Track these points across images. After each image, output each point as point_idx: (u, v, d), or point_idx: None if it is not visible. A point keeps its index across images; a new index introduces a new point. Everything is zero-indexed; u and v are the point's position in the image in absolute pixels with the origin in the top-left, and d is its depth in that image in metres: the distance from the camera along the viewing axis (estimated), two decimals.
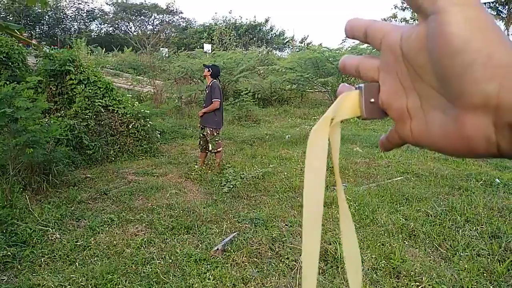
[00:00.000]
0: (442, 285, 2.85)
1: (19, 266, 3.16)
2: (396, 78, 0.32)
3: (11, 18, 27.13)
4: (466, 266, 3.13)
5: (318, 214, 0.35)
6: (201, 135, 5.90)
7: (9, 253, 3.27)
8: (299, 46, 33.38)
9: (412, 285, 2.85)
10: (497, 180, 5.24)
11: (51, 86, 6.53)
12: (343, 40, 13.88)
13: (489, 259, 3.24)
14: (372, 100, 0.34)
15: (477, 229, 3.79)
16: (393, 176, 5.59)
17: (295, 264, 3.14)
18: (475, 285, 2.88)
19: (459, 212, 4.15)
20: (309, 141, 0.35)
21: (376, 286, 2.89)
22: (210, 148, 5.82)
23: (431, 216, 4.12)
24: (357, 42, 13.23)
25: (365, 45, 13.07)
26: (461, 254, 3.34)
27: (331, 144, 0.36)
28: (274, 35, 38.88)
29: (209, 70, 5.84)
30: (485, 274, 3.04)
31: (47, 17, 33.81)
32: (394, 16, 22.63)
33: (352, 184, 5.22)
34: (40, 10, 30.41)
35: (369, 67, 0.35)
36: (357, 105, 0.35)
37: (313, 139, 0.35)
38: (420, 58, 0.29)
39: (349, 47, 13.45)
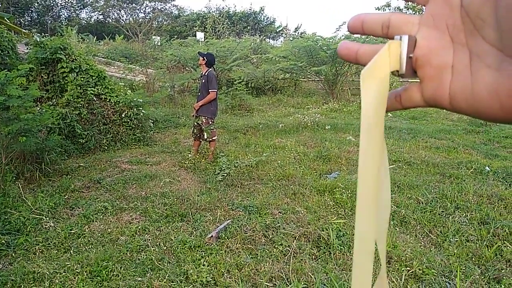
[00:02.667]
0: (432, 270, 2.92)
1: (13, 254, 3.17)
2: (444, 33, 0.31)
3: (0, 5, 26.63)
4: (455, 251, 3.20)
5: (373, 183, 0.32)
6: (196, 123, 5.89)
7: (3, 241, 3.28)
8: (292, 34, 33.22)
9: (403, 270, 2.91)
10: (487, 168, 5.32)
11: (42, 74, 6.45)
12: (337, 28, 13.82)
13: (477, 245, 3.31)
14: (411, 55, 0.32)
15: (467, 216, 3.86)
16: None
17: (288, 250, 3.19)
18: (464, 269, 2.95)
19: (449, 199, 4.22)
20: (361, 86, 0.32)
21: None
22: (205, 137, 5.82)
23: (422, 203, 4.18)
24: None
25: (358, 34, 13.10)
26: (451, 240, 3.41)
27: (377, 96, 0.32)
28: (268, 23, 38.63)
29: (204, 59, 5.78)
30: (473, 259, 3.12)
31: (36, 4, 33.22)
32: (388, 5, 22.57)
33: (345, 172, 5.27)
34: None
35: (405, 20, 0.33)
36: (397, 57, 0.32)
37: (364, 82, 0.32)
38: (484, 10, 0.27)
39: (343, 35, 13.43)
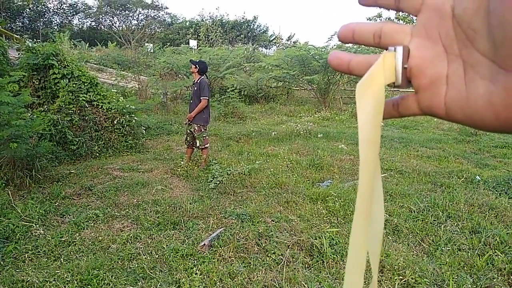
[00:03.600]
0: (424, 279, 2.92)
1: (1, 262, 3.11)
2: (437, 43, 0.30)
3: None
4: (447, 260, 3.22)
5: (370, 194, 0.32)
6: (188, 131, 5.88)
7: None
8: (285, 43, 33.44)
9: (396, 279, 2.91)
10: (477, 177, 5.37)
11: (34, 80, 6.40)
12: (329, 38, 13.96)
13: (469, 253, 3.33)
14: (406, 65, 0.31)
15: (458, 225, 3.88)
16: None
17: (281, 259, 3.18)
18: (456, 278, 2.96)
19: (441, 208, 4.25)
20: (357, 99, 0.31)
21: None
22: (197, 144, 5.81)
23: (414, 212, 4.20)
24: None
25: (350, 43, 13.24)
26: (443, 248, 3.43)
27: (372, 108, 0.31)
28: (261, 32, 38.85)
29: (196, 67, 5.79)
30: (465, 268, 3.13)
31: (28, 10, 33.03)
32: (379, 16, 22.87)
33: (337, 180, 5.28)
34: (21, 3, 29.71)
35: (397, 29, 0.33)
36: (393, 69, 0.32)
37: (360, 95, 0.31)
38: (476, 20, 0.27)
39: (335, 45, 13.57)
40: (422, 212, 4.17)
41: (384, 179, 5.33)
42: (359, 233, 0.33)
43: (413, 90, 0.33)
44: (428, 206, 4.33)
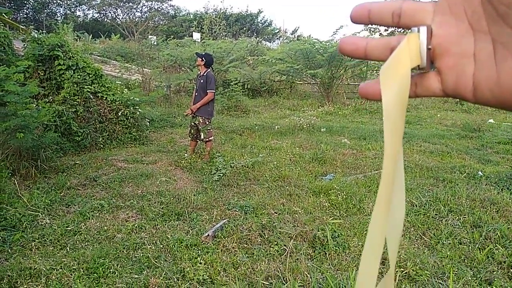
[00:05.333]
0: (425, 271, 2.96)
1: (9, 250, 3.17)
2: (462, 20, 0.29)
3: None
4: (448, 253, 3.25)
5: (392, 183, 0.31)
6: (192, 123, 5.91)
7: None
8: (289, 37, 33.34)
9: (397, 271, 2.95)
10: (480, 172, 5.39)
11: (39, 71, 6.43)
12: (334, 32, 13.92)
13: (470, 247, 3.36)
14: (430, 46, 0.30)
15: (460, 219, 3.91)
16: (380, 168, 5.66)
17: (284, 249, 3.22)
18: (456, 271, 3.00)
19: (443, 203, 4.27)
20: (381, 84, 0.30)
21: None
22: (202, 137, 5.84)
23: (416, 206, 4.23)
24: (348, 34, 13.30)
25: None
26: (444, 242, 3.46)
27: (397, 92, 0.30)
28: (265, 25, 38.70)
29: (202, 60, 5.78)
30: (466, 261, 3.17)
31: (32, 1, 33.00)
32: None
33: (340, 174, 5.31)
34: None
35: (418, 8, 0.31)
36: (417, 51, 0.30)
37: (384, 80, 0.30)
38: None
39: (339, 39, 13.48)
40: (424, 206, 4.20)
41: None
42: (379, 221, 0.31)
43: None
44: (430, 200, 4.35)
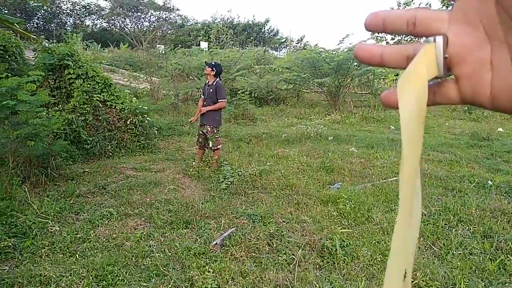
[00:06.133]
0: (435, 282, 2.93)
1: (20, 257, 3.19)
2: (478, 29, 0.29)
3: (6, 11, 26.90)
4: (458, 264, 3.22)
5: (412, 194, 0.30)
6: (200, 132, 5.94)
7: (9, 243, 3.30)
8: (295, 46, 33.50)
9: None
10: (489, 182, 5.34)
11: (49, 80, 6.52)
12: (340, 41, 13.97)
13: (481, 258, 3.33)
14: (446, 55, 0.30)
15: (470, 229, 3.88)
16: (388, 176, 5.67)
17: (292, 259, 3.21)
18: (467, 282, 2.97)
19: (452, 212, 4.24)
20: (398, 95, 0.30)
21: (372, 281, 2.96)
22: (210, 145, 5.86)
23: (425, 215, 4.20)
24: (354, 43, 13.36)
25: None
26: (454, 252, 3.43)
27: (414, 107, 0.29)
28: (271, 34, 38.95)
29: (212, 69, 5.81)
30: (477, 272, 3.13)
31: (42, 11, 33.55)
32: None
33: (348, 183, 5.30)
34: (35, 4, 30.19)
35: (434, 17, 0.31)
36: (434, 61, 0.30)
37: (402, 93, 0.30)
38: None
39: (345, 48, 13.55)
40: (433, 216, 4.17)
41: (395, 183, 5.33)
42: (402, 233, 0.31)
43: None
44: (439, 210, 4.32)
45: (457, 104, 0.33)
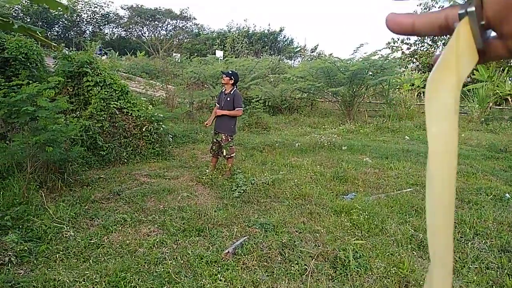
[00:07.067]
0: None
1: (35, 261, 3.24)
2: None
3: (28, 20, 27.68)
4: (475, 278, 3.15)
5: (448, 206, 0.29)
6: (215, 140, 5.97)
7: (25, 248, 3.36)
8: (310, 55, 33.53)
9: None
10: (507, 195, 5.23)
11: (68, 87, 6.66)
12: (354, 50, 13.93)
13: (498, 273, 3.25)
14: (483, 22, 0.29)
15: (486, 243, 3.80)
16: (403, 188, 5.61)
17: (305, 269, 3.19)
18: None
19: (468, 225, 4.16)
20: (426, 97, 0.29)
21: None
22: (224, 154, 5.89)
23: None
24: (369, 52, 13.31)
25: (376, 56, 13.06)
26: (470, 266, 3.35)
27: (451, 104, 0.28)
28: (286, 44, 39.09)
29: (231, 78, 5.84)
30: (494, 287, 3.06)
31: (63, 19, 34.38)
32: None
33: (361, 193, 5.25)
34: (56, 13, 30.97)
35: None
36: (470, 38, 0.29)
37: (431, 94, 0.29)
38: None
39: (360, 58, 13.51)
40: None
41: (410, 194, 5.26)
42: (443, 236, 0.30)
43: None
44: (455, 222, 4.24)
45: (508, 58, 0.32)
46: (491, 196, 5.21)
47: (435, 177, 0.29)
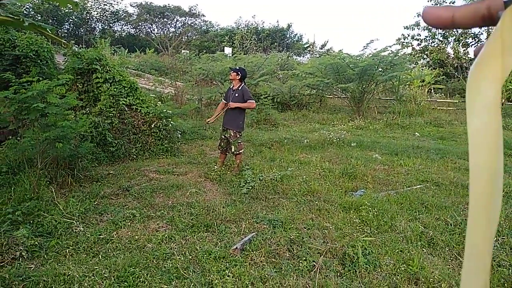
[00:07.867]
0: None
1: (45, 256, 3.27)
2: None
3: (39, 18, 27.92)
4: None
5: (486, 206, 0.28)
6: (223, 136, 5.98)
7: (36, 242, 3.39)
8: (319, 51, 33.35)
9: None
10: None
11: (77, 84, 6.71)
12: (364, 46, 13.81)
13: (510, 270, 3.20)
14: None
15: (498, 240, 3.74)
16: (413, 184, 5.55)
17: (313, 265, 3.17)
18: None
19: None
20: (467, 89, 0.27)
21: None
22: (232, 150, 5.89)
23: (451, 225, 4.09)
24: (379, 48, 13.19)
25: (386, 52, 12.93)
26: None
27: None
28: (295, 40, 38.93)
29: (238, 74, 5.87)
30: (506, 285, 3.01)
31: (73, 17, 34.62)
32: (417, 24, 22.40)
33: (371, 190, 5.21)
34: (67, 10, 31.21)
35: None
36: None
37: (473, 85, 0.27)
38: None
39: (370, 54, 13.39)
40: (459, 226, 4.05)
41: (420, 191, 5.21)
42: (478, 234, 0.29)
43: None
44: (465, 219, 4.17)
45: None
46: (503, 193, 5.13)
47: (475, 173, 0.28)
